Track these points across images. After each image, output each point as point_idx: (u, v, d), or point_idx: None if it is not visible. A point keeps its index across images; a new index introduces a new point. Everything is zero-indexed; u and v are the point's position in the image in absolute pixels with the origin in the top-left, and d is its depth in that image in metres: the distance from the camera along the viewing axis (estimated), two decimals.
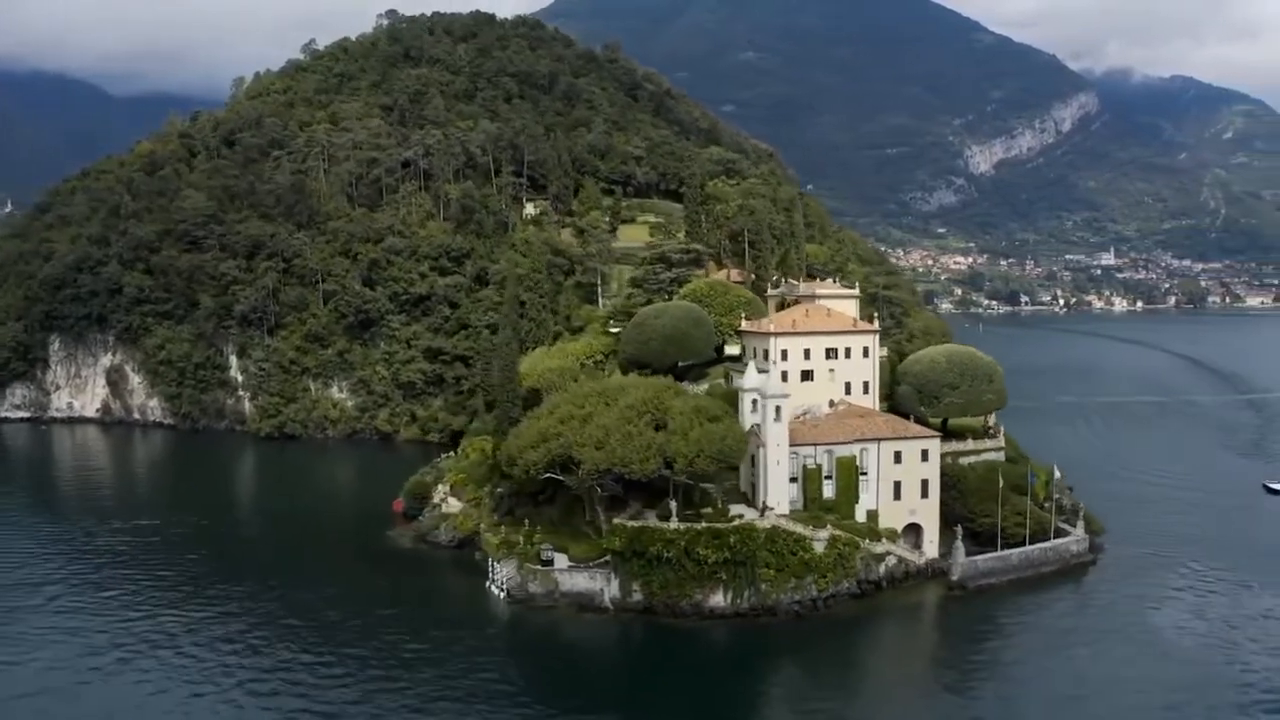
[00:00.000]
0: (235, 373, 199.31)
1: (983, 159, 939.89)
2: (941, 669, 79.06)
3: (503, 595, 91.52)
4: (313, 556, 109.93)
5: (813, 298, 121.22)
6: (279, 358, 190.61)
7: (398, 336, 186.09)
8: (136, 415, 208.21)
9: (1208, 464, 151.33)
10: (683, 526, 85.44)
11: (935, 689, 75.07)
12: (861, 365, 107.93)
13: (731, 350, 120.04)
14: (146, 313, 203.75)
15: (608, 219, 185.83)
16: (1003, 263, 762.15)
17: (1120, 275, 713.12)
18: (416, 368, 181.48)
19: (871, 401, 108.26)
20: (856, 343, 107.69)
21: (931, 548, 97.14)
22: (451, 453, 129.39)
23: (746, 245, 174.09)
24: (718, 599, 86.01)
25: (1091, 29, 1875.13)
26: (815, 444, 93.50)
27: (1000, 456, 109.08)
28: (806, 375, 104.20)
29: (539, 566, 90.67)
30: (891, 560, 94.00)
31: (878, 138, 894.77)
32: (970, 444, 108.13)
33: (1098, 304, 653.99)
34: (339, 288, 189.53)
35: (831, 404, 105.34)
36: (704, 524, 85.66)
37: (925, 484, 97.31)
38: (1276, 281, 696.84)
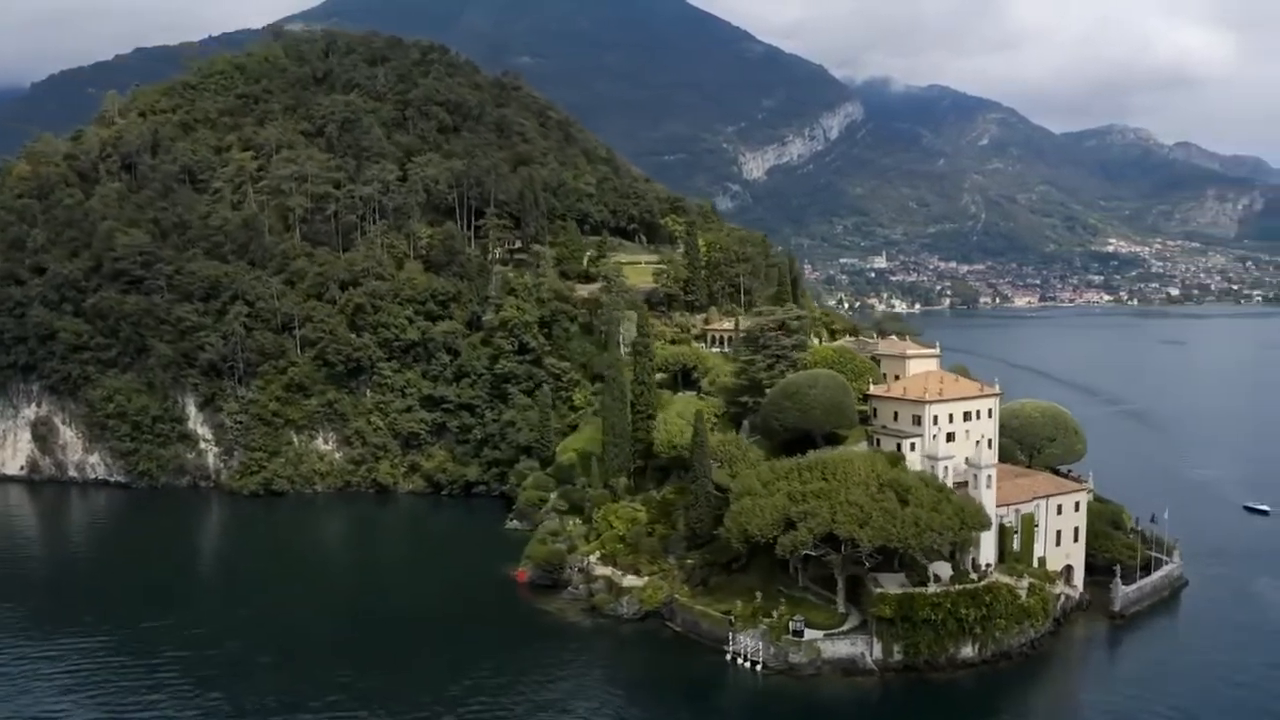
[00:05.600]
0: (195, 425, 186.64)
1: (756, 166, 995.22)
2: (1178, 686, 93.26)
3: (758, 667, 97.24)
4: (496, 639, 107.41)
5: (903, 358, 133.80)
6: (258, 409, 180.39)
7: (390, 385, 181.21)
8: (73, 473, 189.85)
9: (1169, 482, 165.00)
10: (941, 590, 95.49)
11: (1191, 704, 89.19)
12: (987, 425, 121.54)
13: None
14: (86, 360, 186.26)
15: (605, 260, 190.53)
16: None
17: (894, 278, 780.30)
18: (417, 417, 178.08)
19: (992, 457, 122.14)
20: (984, 405, 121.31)
21: (1081, 584, 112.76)
22: (579, 519, 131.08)
23: (742, 291, 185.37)
24: (967, 650, 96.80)
25: (853, 39, 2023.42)
26: (1007, 504, 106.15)
27: (1090, 498, 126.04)
28: (950, 437, 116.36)
29: (792, 637, 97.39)
30: (1062, 598, 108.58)
31: (655, 144, 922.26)
32: None
33: (879, 307, 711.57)
34: (323, 334, 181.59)
35: (967, 462, 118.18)
36: (958, 586, 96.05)
37: (1076, 530, 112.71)
38: (1038, 282, 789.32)
